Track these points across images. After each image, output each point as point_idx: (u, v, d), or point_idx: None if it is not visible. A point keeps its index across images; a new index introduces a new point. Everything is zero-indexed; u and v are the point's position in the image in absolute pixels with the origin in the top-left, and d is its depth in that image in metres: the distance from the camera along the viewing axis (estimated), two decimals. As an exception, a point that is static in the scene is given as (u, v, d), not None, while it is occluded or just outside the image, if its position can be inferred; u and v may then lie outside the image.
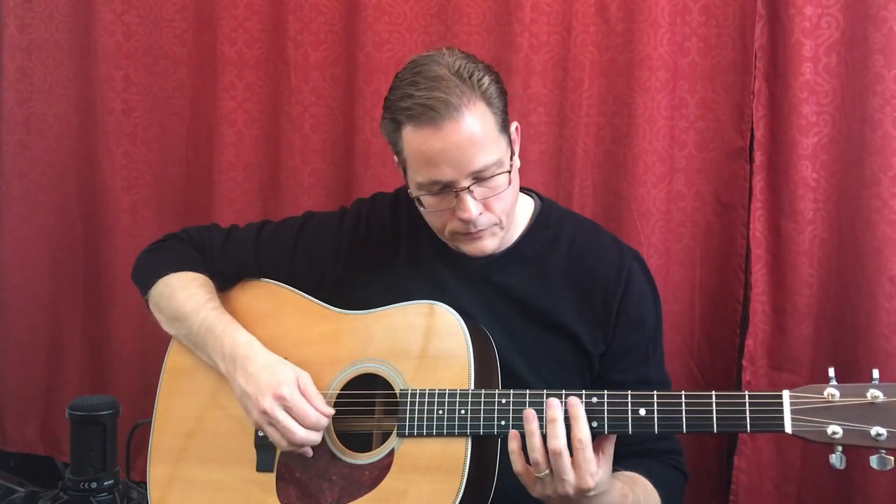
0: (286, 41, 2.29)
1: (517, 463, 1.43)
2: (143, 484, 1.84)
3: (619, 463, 1.60)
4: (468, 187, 1.52)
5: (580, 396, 1.44)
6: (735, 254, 2.08)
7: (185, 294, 1.73)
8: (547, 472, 1.40)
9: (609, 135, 2.12)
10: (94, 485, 1.67)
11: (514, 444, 1.43)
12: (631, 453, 1.60)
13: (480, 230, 1.57)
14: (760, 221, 2.01)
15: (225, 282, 1.81)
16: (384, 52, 2.23)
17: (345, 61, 2.28)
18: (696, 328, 2.12)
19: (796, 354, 2.00)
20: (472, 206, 1.53)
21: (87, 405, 1.68)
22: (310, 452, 1.59)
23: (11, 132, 2.47)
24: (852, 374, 1.91)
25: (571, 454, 1.39)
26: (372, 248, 1.74)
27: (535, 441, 1.41)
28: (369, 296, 1.68)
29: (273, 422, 1.56)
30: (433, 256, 1.70)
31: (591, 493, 1.40)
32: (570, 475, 1.38)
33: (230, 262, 1.81)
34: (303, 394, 1.58)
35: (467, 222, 1.55)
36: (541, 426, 1.42)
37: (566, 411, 1.41)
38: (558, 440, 1.39)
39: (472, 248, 1.60)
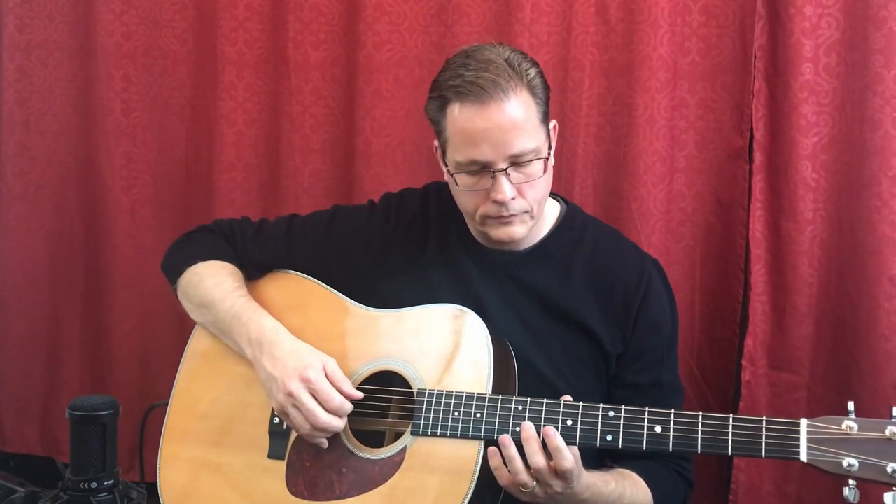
0: (286, 41, 2.29)
1: (502, 478, 1.45)
2: (142, 485, 1.85)
3: (622, 463, 1.62)
4: (505, 169, 1.55)
5: (597, 409, 1.46)
6: (735, 254, 2.08)
7: (213, 282, 1.75)
8: (535, 485, 1.43)
9: (609, 135, 2.12)
10: (94, 485, 1.67)
11: (495, 461, 1.45)
12: (636, 454, 1.61)
13: (512, 215, 1.59)
14: (760, 221, 2.01)
15: (255, 272, 1.83)
16: (384, 53, 2.22)
17: (345, 61, 2.28)
18: (696, 328, 2.12)
19: (796, 354, 2.00)
20: (506, 188, 1.55)
21: (87, 405, 1.68)
22: (325, 443, 1.60)
23: (11, 132, 2.47)
24: (852, 374, 1.92)
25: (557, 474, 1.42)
26: (401, 239, 1.77)
27: (516, 465, 1.43)
28: (397, 287, 1.71)
29: (297, 404, 1.57)
30: (460, 250, 1.73)
31: (573, 483, 1.44)
32: (554, 480, 1.42)
33: (261, 252, 1.83)
34: (330, 379, 1.59)
35: (500, 205, 1.57)
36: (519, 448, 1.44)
37: (543, 441, 1.43)
38: (537, 456, 1.42)
39: (500, 233, 1.62)
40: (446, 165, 1.63)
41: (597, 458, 1.63)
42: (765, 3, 1.98)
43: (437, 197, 1.77)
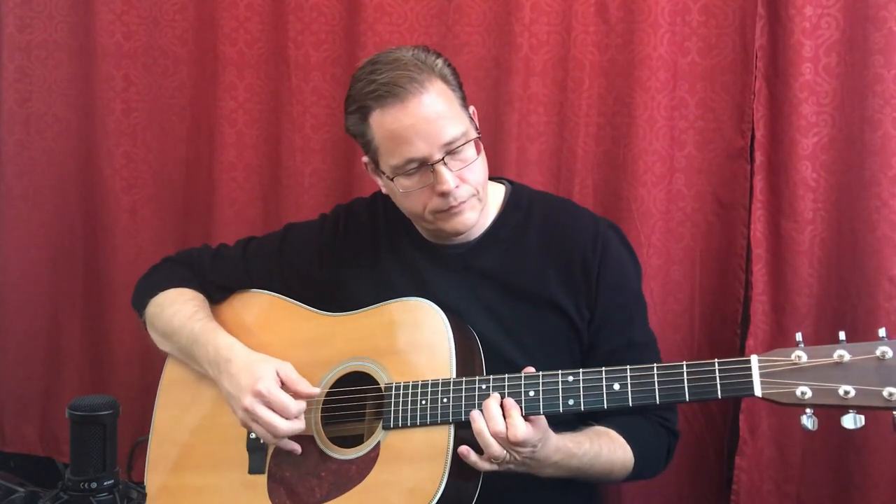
0: (287, 41, 2.29)
1: (486, 469, 1.47)
2: (142, 484, 1.85)
3: (602, 421, 1.62)
4: (442, 159, 1.57)
5: (557, 376, 1.48)
6: (735, 254, 2.08)
7: (171, 311, 1.80)
8: (506, 454, 1.45)
9: (609, 135, 2.12)
10: (94, 485, 1.66)
11: (472, 458, 1.47)
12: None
13: (461, 203, 1.61)
14: (760, 221, 2.01)
15: (217, 294, 1.87)
16: (385, 53, 2.23)
17: (346, 62, 2.28)
18: (696, 328, 2.12)
19: (796, 354, 2.00)
20: (448, 178, 1.57)
21: (86, 405, 1.67)
22: (298, 449, 1.62)
23: (11, 132, 2.47)
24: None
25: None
26: (353, 247, 1.79)
27: (485, 438, 1.45)
28: (358, 293, 1.73)
29: (255, 419, 1.59)
30: (413, 252, 1.75)
31: (539, 448, 1.46)
32: (516, 447, 1.44)
33: (220, 275, 1.87)
34: (284, 383, 1.61)
35: (447, 195, 1.59)
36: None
37: (502, 407, 1.46)
38: (495, 421, 1.44)
39: (454, 223, 1.63)
40: (382, 174, 1.64)
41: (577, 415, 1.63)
42: (765, 3, 1.98)
43: (385, 203, 1.79)
